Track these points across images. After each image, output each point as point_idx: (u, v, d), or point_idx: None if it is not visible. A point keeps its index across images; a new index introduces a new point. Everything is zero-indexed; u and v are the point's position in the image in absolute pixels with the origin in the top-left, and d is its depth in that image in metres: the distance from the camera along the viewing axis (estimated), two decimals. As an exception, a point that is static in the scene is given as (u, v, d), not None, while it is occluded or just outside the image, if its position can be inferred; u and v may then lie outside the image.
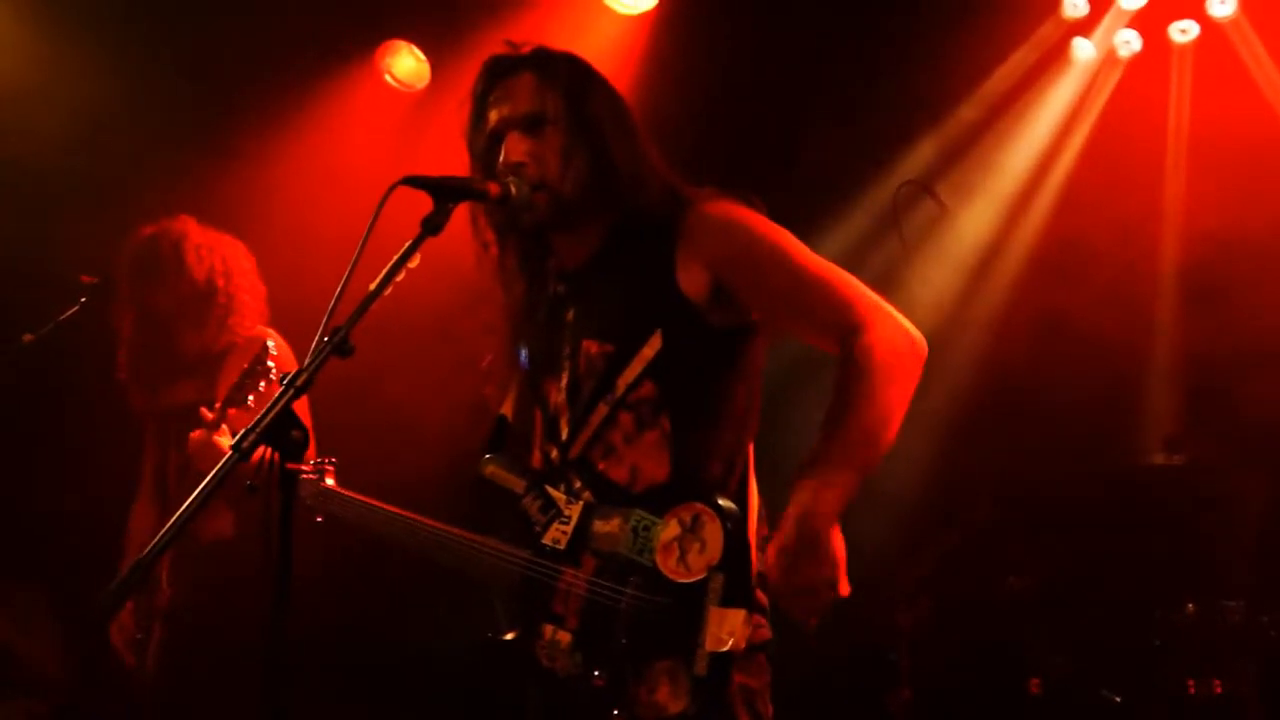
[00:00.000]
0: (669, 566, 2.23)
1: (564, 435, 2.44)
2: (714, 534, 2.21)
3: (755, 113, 5.32)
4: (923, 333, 2.36)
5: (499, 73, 2.49)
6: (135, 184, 5.09)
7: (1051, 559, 4.68)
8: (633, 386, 2.36)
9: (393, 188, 2.18)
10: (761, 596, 2.32)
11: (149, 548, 1.83)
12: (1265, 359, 4.52)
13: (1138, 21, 5.22)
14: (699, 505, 2.25)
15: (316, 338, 2.04)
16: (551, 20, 5.03)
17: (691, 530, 2.23)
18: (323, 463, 3.14)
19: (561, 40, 5.00)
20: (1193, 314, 4.98)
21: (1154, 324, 5.03)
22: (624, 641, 2.26)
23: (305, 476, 3.22)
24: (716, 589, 2.18)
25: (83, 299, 4.01)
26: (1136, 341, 5.03)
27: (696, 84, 5.14)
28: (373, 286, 2.14)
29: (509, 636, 2.40)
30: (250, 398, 3.60)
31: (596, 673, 2.27)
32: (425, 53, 5.40)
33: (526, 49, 2.50)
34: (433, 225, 2.20)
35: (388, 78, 5.42)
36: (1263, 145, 4.83)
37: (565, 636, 2.34)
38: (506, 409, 2.59)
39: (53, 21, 5.06)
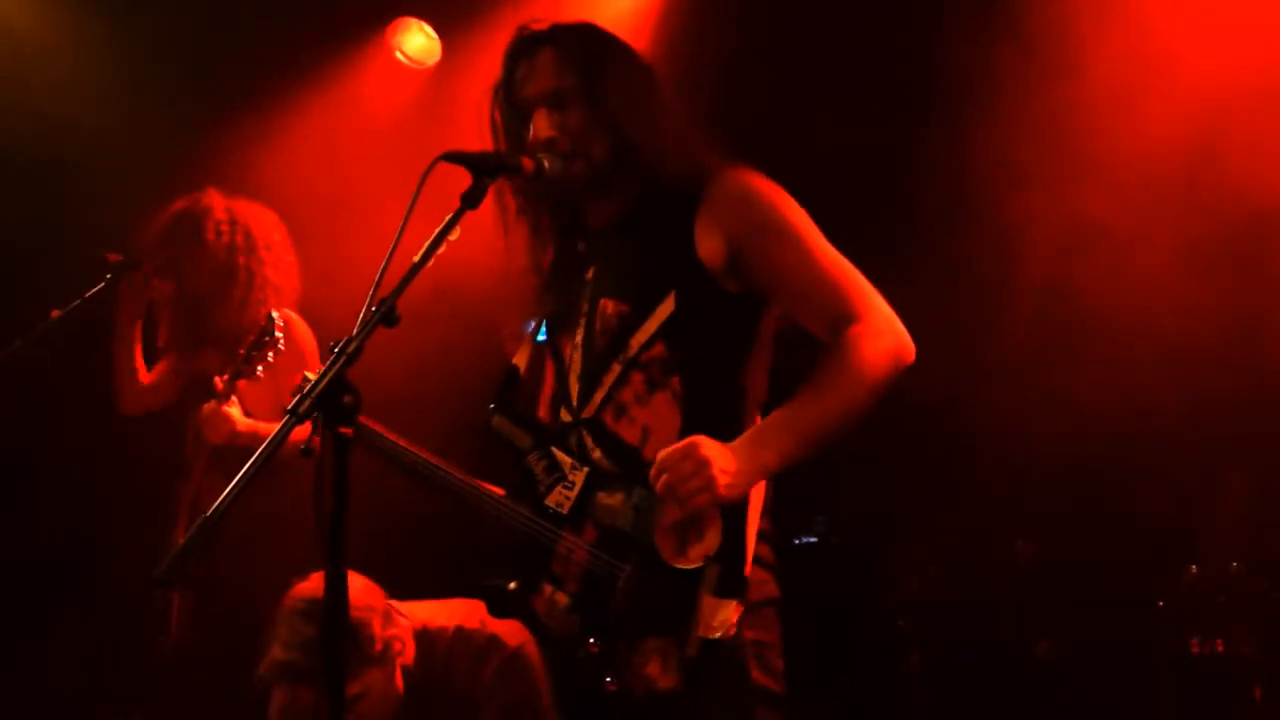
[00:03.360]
0: (667, 550, 2.28)
1: (575, 393, 2.47)
2: (713, 525, 2.25)
3: (768, 88, 5.35)
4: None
5: (521, 51, 2.55)
6: (150, 163, 5.14)
7: (1057, 523, 4.77)
8: (645, 346, 2.40)
9: (434, 163, 2.23)
10: (767, 551, 2.40)
11: (212, 509, 1.89)
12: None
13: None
14: None
15: (364, 308, 2.11)
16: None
17: (691, 518, 2.25)
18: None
19: (573, 14, 5.08)
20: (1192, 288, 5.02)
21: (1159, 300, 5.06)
22: (619, 615, 2.31)
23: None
24: (711, 579, 2.23)
25: (108, 275, 4.05)
26: (1141, 317, 5.07)
27: (708, 59, 5.17)
28: (416, 259, 2.20)
29: (511, 586, 2.44)
30: (259, 368, 3.66)
31: (591, 640, 2.33)
32: (436, 29, 5.44)
33: (544, 25, 2.55)
34: (472, 199, 2.27)
35: (399, 55, 5.45)
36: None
37: (563, 598, 2.38)
38: (520, 360, 2.61)
39: (64, 3, 5.09)
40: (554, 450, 2.45)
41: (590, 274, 2.54)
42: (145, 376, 4.20)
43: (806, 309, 2.40)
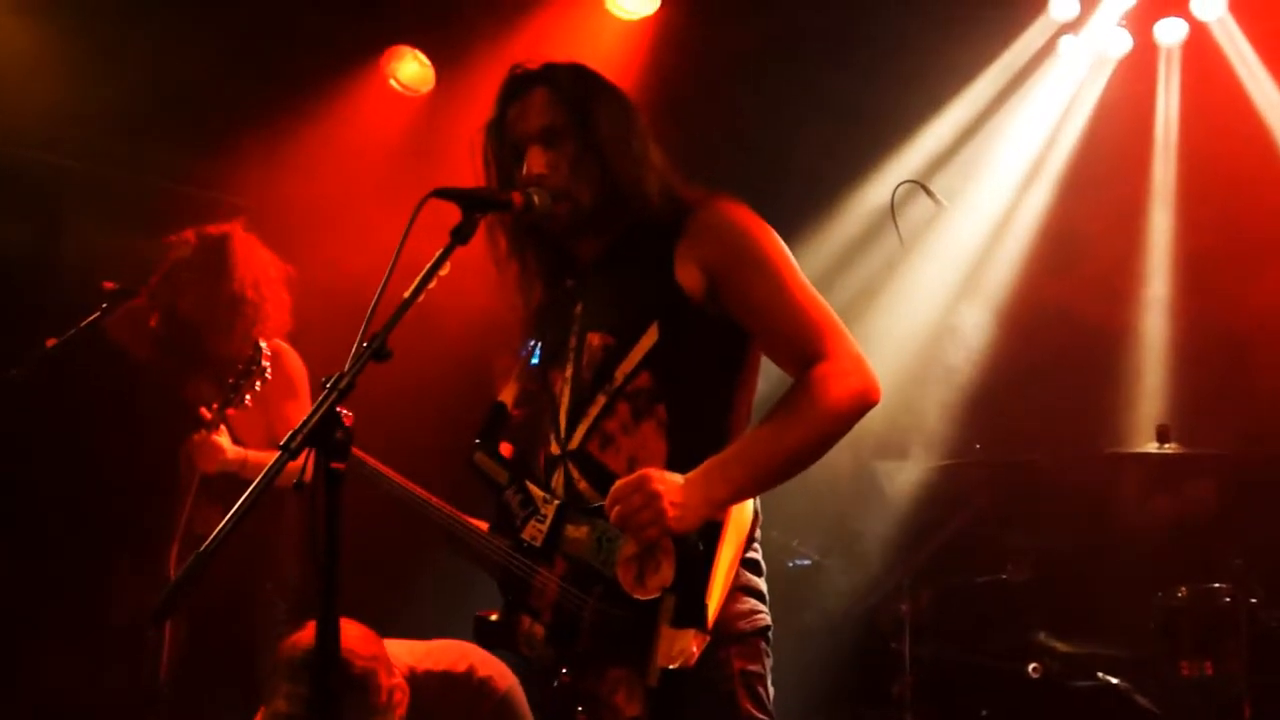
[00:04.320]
0: (628, 582, 2.30)
1: (563, 426, 2.51)
2: (668, 556, 2.26)
3: (754, 114, 5.40)
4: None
5: (514, 89, 2.59)
6: (146, 190, 5.17)
7: (1048, 545, 4.79)
8: (630, 377, 2.42)
9: (425, 200, 2.27)
10: (754, 580, 2.42)
11: (205, 544, 1.92)
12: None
13: (1126, 21, 5.31)
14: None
15: (356, 343, 2.14)
16: (554, 25, 5.11)
17: (649, 549, 2.28)
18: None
19: (564, 44, 5.15)
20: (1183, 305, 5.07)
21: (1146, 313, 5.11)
22: (585, 646, 2.36)
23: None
24: (668, 609, 2.25)
25: (105, 305, 4.08)
26: (1129, 331, 5.12)
27: (697, 87, 5.23)
28: (407, 294, 2.22)
29: (493, 617, 2.53)
30: (247, 397, 3.70)
31: (564, 670, 2.38)
32: (430, 58, 5.49)
33: (537, 65, 2.60)
34: (462, 235, 2.29)
35: (393, 82, 5.50)
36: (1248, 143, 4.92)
37: (540, 630, 2.44)
38: (505, 396, 2.65)
39: (59, 31, 5.12)
40: (528, 485, 2.51)
41: (578, 309, 2.58)
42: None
43: (776, 344, 2.43)
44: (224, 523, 1.94)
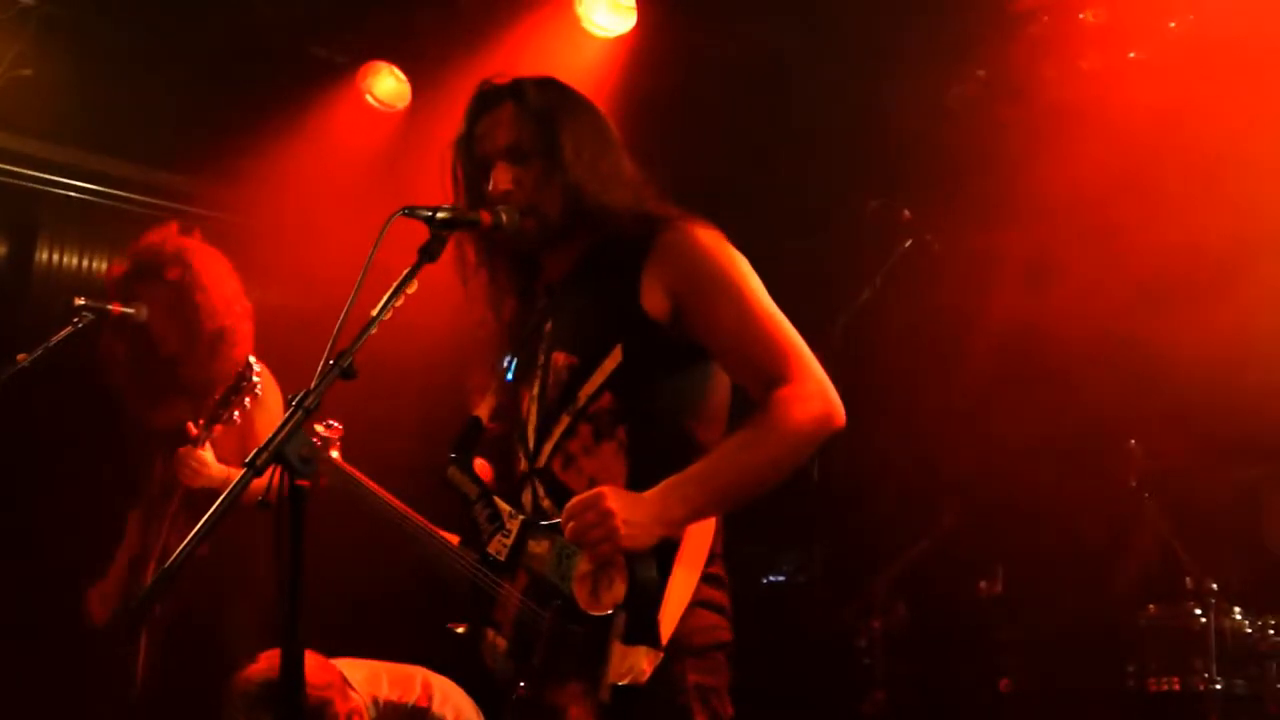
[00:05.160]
0: (583, 597, 2.31)
1: (530, 444, 2.52)
2: (620, 573, 2.26)
3: (728, 134, 5.43)
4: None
5: (482, 105, 2.60)
6: (118, 204, 5.16)
7: (1019, 562, 4.82)
8: (593, 398, 2.43)
9: (392, 218, 2.28)
10: (717, 595, 2.42)
11: (172, 558, 1.93)
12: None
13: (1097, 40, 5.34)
14: None
15: (322, 361, 2.15)
16: (530, 43, 5.11)
17: (604, 566, 2.28)
18: (331, 426, 3.26)
19: (540, 62, 5.16)
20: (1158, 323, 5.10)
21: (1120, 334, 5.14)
22: (543, 660, 2.36)
23: (315, 440, 3.45)
24: (619, 626, 2.25)
25: (75, 321, 4.06)
26: (1104, 351, 5.14)
27: (672, 105, 5.25)
28: (374, 312, 2.24)
29: (460, 630, 2.54)
30: (236, 414, 3.70)
31: (522, 684, 2.38)
32: (406, 74, 5.51)
33: (506, 80, 2.59)
34: (430, 253, 2.31)
35: (369, 98, 5.51)
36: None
37: (502, 643, 2.46)
38: (481, 411, 2.65)
39: (34, 49, 5.12)
40: (495, 500, 2.53)
41: (548, 326, 2.58)
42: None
43: (739, 367, 2.43)
44: (190, 538, 1.94)
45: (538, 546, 2.42)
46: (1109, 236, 5.18)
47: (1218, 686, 4.20)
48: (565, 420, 2.46)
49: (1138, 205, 5.10)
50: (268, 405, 3.89)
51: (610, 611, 2.27)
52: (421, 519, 2.91)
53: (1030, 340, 5.01)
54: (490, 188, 2.54)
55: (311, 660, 2.99)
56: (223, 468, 3.83)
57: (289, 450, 2.03)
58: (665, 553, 2.29)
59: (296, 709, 2.09)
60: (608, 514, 2.23)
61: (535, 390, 2.54)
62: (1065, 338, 4.94)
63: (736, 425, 2.41)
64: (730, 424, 2.50)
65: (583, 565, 2.32)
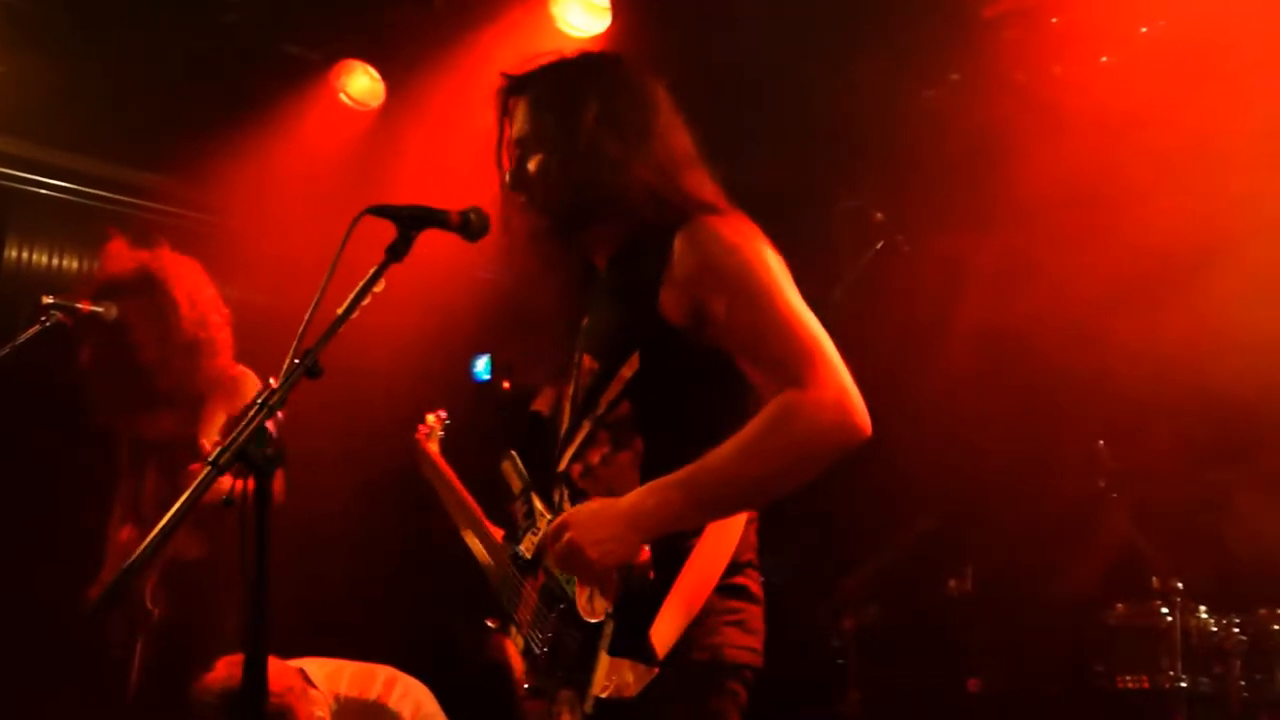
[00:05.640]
0: (581, 603, 2.25)
1: (559, 446, 2.46)
2: (609, 582, 2.19)
3: (700, 135, 5.42)
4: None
5: (507, 95, 2.56)
6: (90, 202, 5.13)
7: (989, 563, 4.85)
8: (612, 405, 2.33)
9: (359, 217, 2.27)
10: (745, 610, 2.29)
11: (132, 558, 1.92)
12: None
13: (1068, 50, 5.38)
14: None
15: (287, 360, 2.15)
16: (505, 42, 5.10)
17: (600, 578, 2.21)
18: (439, 416, 3.40)
19: (514, 62, 5.15)
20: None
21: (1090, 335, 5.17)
22: (544, 663, 2.33)
23: (422, 430, 3.83)
24: (607, 635, 2.19)
25: (43, 320, 4.03)
26: (1073, 352, 5.17)
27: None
28: (340, 311, 2.24)
29: (491, 624, 2.54)
30: None
31: (525, 685, 2.37)
32: (380, 72, 5.50)
33: (519, 70, 2.55)
34: (397, 252, 2.29)
35: (342, 96, 5.50)
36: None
37: (521, 641, 2.43)
38: (541, 404, 2.61)
39: (6, 48, 5.09)
40: (534, 498, 2.50)
41: (585, 322, 2.51)
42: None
43: (757, 365, 2.24)
44: (150, 537, 1.94)
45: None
46: (1079, 239, 5.22)
47: (1183, 685, 4.24)
48: (587, 427, 2.38)
49: (1108, 208, 5.13)
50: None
51: (601, 620, 2.21)
52: (480, 512, 2.92)
53: (1001, 341, 5.04)
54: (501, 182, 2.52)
55: (271, 665, 2.98)
56: (230, 481, 3.83)
57: (252, 449, 2.03)
58: (670, 560, 2.19)
59: (260, 714, 2.09)
60: (571, 545, 2.17)
61: (570, 391, 2.47)
62: (1035, 339, 4.97)
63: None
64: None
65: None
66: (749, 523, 2.36)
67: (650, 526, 2.17)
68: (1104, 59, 5.31)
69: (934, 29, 5.26)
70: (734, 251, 2.27)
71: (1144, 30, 5.20)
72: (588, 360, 2.41)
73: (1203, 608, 4.37)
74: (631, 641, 2.16)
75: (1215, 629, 4.31)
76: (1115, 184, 5.01)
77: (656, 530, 2.18)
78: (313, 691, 3.21)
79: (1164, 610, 4.34)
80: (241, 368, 4.19)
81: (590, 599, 2.24)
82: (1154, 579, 4.36)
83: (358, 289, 2.26)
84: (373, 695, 3.29)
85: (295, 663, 3.32)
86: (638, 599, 2.18)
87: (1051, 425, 4.77)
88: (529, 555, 2.45)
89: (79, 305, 4.03)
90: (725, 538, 2.28)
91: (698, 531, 2.25)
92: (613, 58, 2.57)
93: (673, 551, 2.20)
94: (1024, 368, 5.10)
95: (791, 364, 2.18)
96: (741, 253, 2.27)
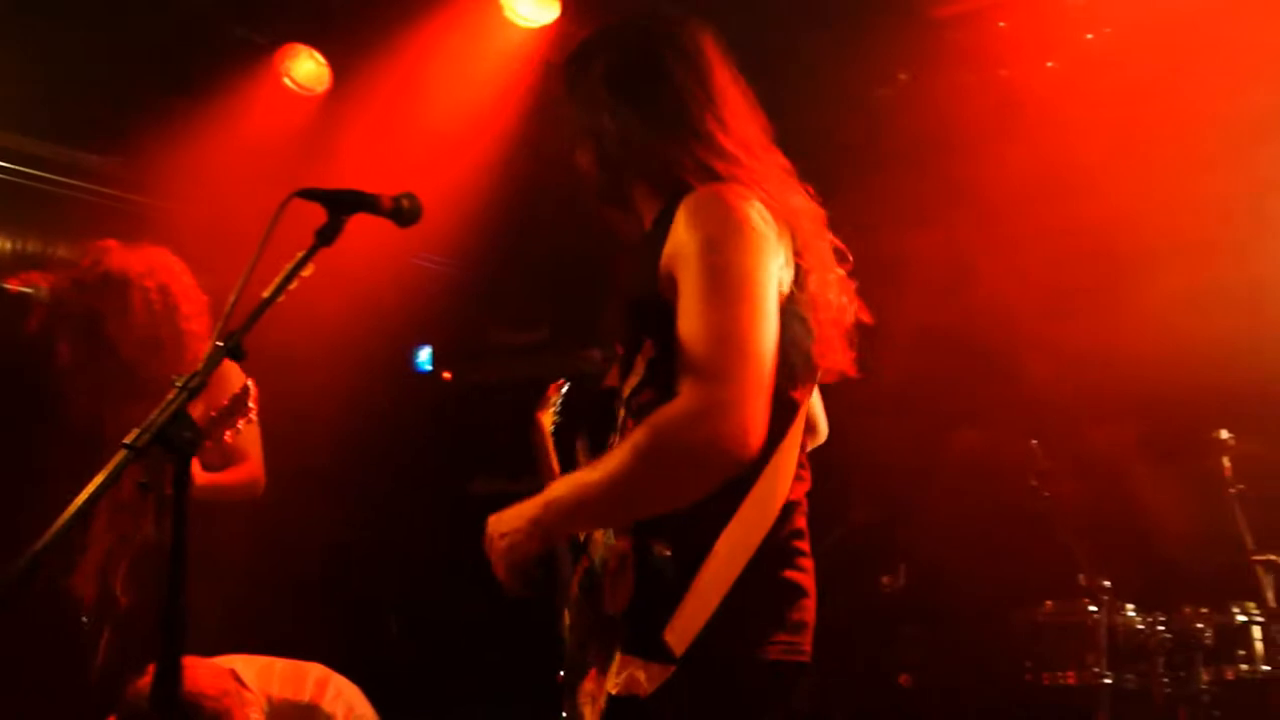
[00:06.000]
0: (607, 593, 2.19)
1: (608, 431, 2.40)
2: (627, 581, 2.14)
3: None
4: None
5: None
6: (33, 185, 5.06)
7: (922, 559, 4.89)
8: (635, 392, 2.24)
9: (286, 200, 2.26)
10: (776, 601, 2.17)
11: (39, 543, 1.89)
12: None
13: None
14: (631, 545, 2.16)
15: (211, 342, 2.14)
16: (452, 30, 5.08)
17: (619, 569, 2.16)
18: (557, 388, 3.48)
19: (461, 50, 5.14)
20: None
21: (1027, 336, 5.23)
22: (574, 650, 2.28)
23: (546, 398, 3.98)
24: (621, 634, 2.13)
25: None
26: (1010, 353, 5.23)
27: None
28: (266, 294, 2.23)
29: (557, 600, 2.50)
30: (227, 434, 3.70)
31: (560, 672, 2.30)
32: (326, 57, 5.45)
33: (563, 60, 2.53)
34: (326, 236, 2.29)
35: (287, 81, 5.45)
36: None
37: (569, 620, 2.39)
38: (613, 379, 2.42)
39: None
40: None
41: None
42: None
43: (676, 363, 2.10)
44: (61, 520, 1.91)
45: (599, 534, 2.29)
46: (1021, 241, 5.28)
47: (1108, 681, 4.31)
48: (621, 413, 2.30)
49: (1051, 211, 5.20)
50: (256, 433, 3.95)
51: (619, 613, 2.14)
52: None
53: (940, 340, 5.08)
54: None
55: (204, 668, 2.94)
56: (206, 475, 3.86)
57: (170, 431, 2.02)
58: (693, 551, 2.09)
59: (177, 703, 2.07)
60: (487, 534, 2.21)
61: (615, 374, 2.40)
62: (973, 338, 5.02)
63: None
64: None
65: (612, 563, 2.19)
66: (791, 506, 2.22)
67: (543, 521, 2.15)
68: (1050, 64, 5.37)
69: (884, 28, 5.30)
70: (693, 227, 2.15)
71: (1089, 37, 5.27)
72: (618, 345, 2.34)
73: (1130, 606, 4.44)
74: (645, 638, 2.07)
75: (1141, 626, 4.38)
76: (1058, 188, 5.07)
77: (553, 524, 2.15)
78: (246, 693, 3.16)
79: (1091, 608, 4.41)
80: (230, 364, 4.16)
81: (614, 588, 2.17)
82: (1081, 577, 4.43)
83: (284, 273, 2.26)
84: (305, 697, 3.25)
85: (224, 661, 3.27)
86: (654, 592, 2.09)
87: (986, 424, 4.82)
88: (580, 539, 2.37)
89: (7, 285, 3.99)
90: (755, 526, 2.13)
91: (724, 520, 2.11)
92: (622, 26, 2.50)
93: (696, 542, 2.10)
94: (961, 366, 5.15)
95: (691, 365, 2.05)
96: (698, 229, 2.14)
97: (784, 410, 2.19)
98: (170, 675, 2.03)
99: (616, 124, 2.34)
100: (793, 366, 2.22)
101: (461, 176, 5.37)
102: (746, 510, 2.13)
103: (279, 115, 5.47)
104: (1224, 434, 4.49)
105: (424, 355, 6.25)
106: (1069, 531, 4.52)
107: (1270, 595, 4.34)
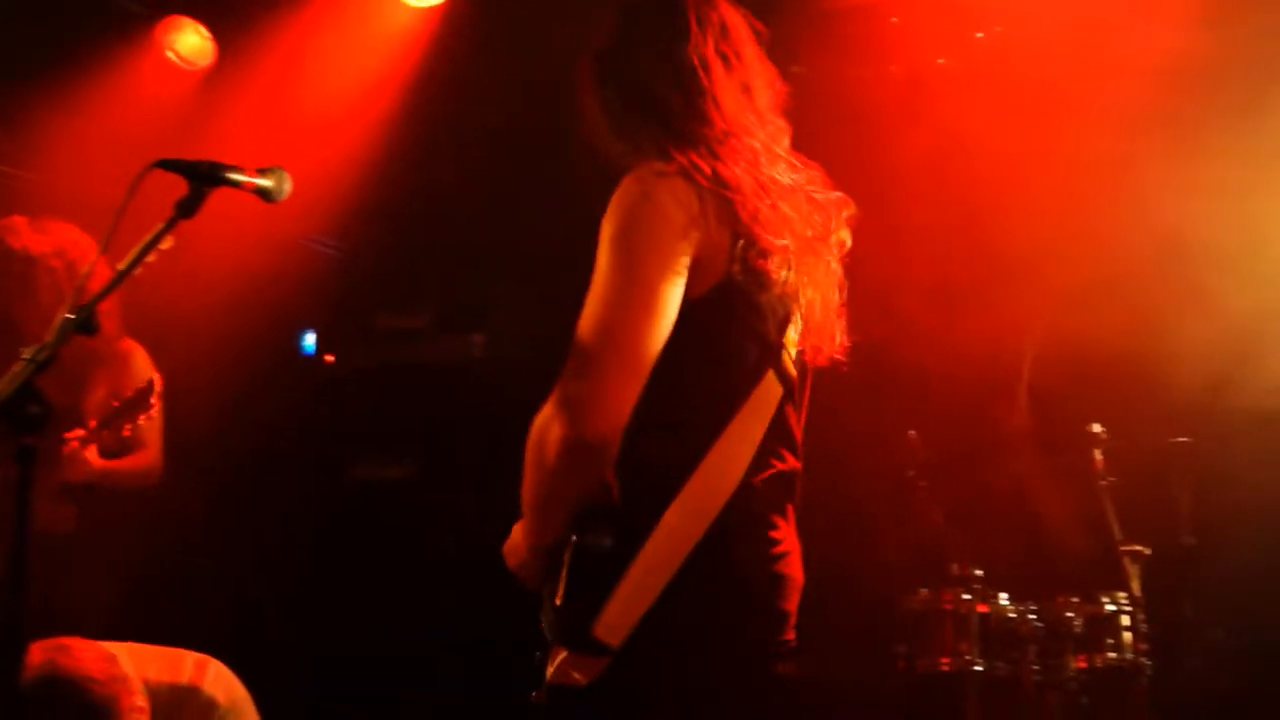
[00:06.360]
0: (560, 586, 2.13)
1: None
2: (563, 572, 2.10)
3: (539, 112, 5.40)
4: None
5: None
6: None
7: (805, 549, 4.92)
8: None
9: (145, 171, 2.22)
10: (722, 587, 2.13)
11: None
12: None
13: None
14: (571, 534, 2.11)
15: (61, 314, 2.08)
16: (341, 9, 5.02)
17: (563, 560, 2.12)
18: None
19: (349, 29, 5.06)
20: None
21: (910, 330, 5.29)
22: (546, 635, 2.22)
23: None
24: (557, 626, 2.13)
25: None
26: (893, 346, 5.29)
27: (484, 79, 5.21)
28: (122, 266, 2.18)
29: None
30: (126, 428, 3.70)
31: (538, 653, 2.22)
32: (210, 31, 5.33)
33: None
34: (187, 209, 2.23)
35: (169, 54, 5.30)
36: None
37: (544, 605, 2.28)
38: None
39: None
40: None
41: None
42: None
43: None
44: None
45: None
46: (907, 235, 5.34)
47: (979, 668, 4.40)
48: None
49: (939, 208, 5.27)
50: (157, 422, 3.91)
51: (557, 604, 2.11)
52: None
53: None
54: None
55: (93, 653, 2.84)
56: (104, 463, 3.84)
57: (13, 405, 1.96)
58: (626, 538, 2.04)
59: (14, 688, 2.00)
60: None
61: None
62: (854, 328, 5.07)
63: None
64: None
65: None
66: (751, 490, 2.17)
67: (525, 537, 2.20)
68: (941, 60, 5.43)
69: (779, 20, 5.31)
70: (610, 220, 2.11)
71: (980, 35, 5.35)
72: None
73: (1003, 595, 4.54)
74: (575, 630, 2.05)
75: (1013, 615, 4.48)
76: (946, 185, 5.14)
77: (529, 539, 2.18)
78: (131, 681, 3.07)
79: (965, 596, 4.49)
80: (130, 342, 4.11)
81: (559, 579, 2.12)
82: (955, 566, 4.51)
83: (141, 245, 2.21)
84: (184, 679, 3.15)
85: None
86: (586, 583, 2.06)
87: (866, 414, 4.87)
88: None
89: None
90: (698, 513, 2.07)
91: (662, 506, 2.06)
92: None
93: (630, 529, 2.05)
94: (845, 359, 5.19)
95: (569, 358, 2.06)
96: (607, 220, 2.12)
97: (724, 396, 2.17)
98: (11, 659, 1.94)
99: (611, 124, 2.33)
100: (735, 351, 2.20)
101: (348, 157, 5.29)
102: (687, 496, 2.08)
103: (161, 89, 5.34)
104: (1096, 427, 4.59)
105: (309, 339, 6.16)
106: (944, 521, 4.60)
107: (1136, 585, 4.46)
